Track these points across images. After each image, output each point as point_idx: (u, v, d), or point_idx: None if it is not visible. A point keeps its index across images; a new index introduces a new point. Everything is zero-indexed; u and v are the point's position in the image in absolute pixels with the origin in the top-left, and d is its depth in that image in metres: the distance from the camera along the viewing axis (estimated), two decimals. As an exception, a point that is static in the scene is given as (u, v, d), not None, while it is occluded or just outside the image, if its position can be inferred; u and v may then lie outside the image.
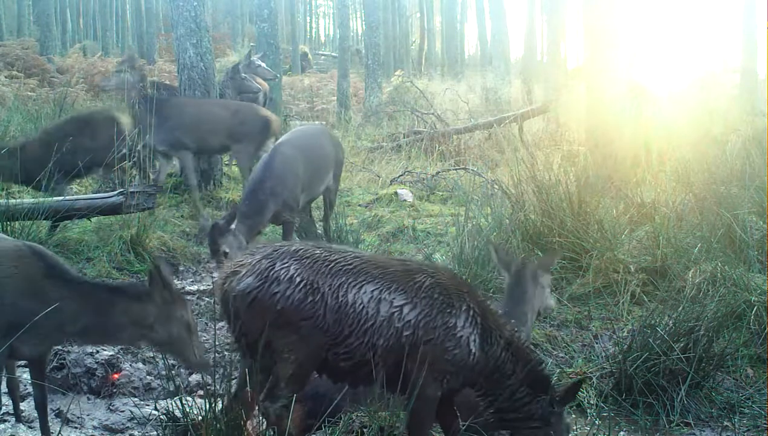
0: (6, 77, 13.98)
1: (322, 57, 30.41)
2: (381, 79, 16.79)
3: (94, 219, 6.05)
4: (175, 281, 5.81)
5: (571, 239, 5.25)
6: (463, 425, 3.03)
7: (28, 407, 3.53)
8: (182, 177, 8.26)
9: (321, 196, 6.56)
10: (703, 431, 3.62)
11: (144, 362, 4.17)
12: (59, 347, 3.82)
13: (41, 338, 3.08)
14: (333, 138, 6.83)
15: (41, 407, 3.21)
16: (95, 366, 3.94)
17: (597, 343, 4.39)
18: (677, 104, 10.11)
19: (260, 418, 2.90)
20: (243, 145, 7.65)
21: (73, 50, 21.13)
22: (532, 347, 3.13)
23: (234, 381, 3.22)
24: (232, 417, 2.79)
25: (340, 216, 6.60)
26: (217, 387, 2.92)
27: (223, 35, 27.40)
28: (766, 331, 4.18)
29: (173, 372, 3.33)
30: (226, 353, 4.19)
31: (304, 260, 2.85)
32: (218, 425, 2.78)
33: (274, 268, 2.82)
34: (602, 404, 3.76)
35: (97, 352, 3.98)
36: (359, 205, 8.42)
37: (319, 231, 6.54)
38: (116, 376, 3.93)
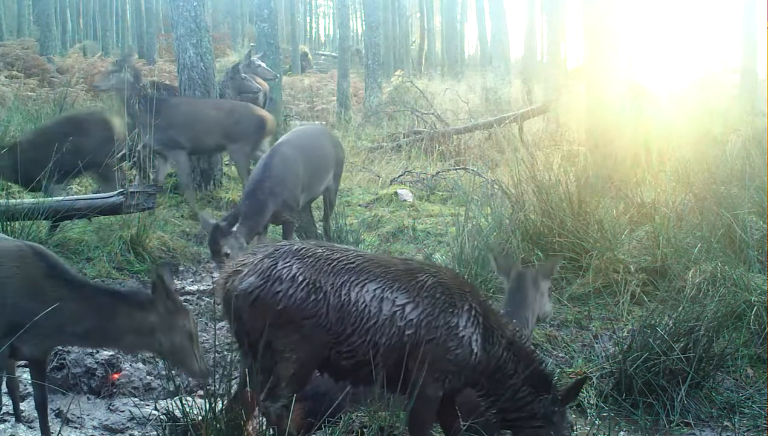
0: (6, 77, 13.98)
1: (322, 57, 30.42)
2: (381, 79, 16.79)
3: (94, 219, 6.06)
4: (175, 281, 5.84)
5: (571, 239, 5.25)
6: (464, 425, 3.03)
7: (28, 407, 3.53)
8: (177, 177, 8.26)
9: (321, 197, 6.56)
10: (703, 431, 3.62)
11: (144, 362, 4.17)
12: (59, 347, 3.82)
13: (42, 339, 3.07)
14: (333, 138, 6.84)
15: (41, 407, 3.21)
16: (95, 366, 3.94)
17: (597, 343, 4.39)
18: (677, 104, 10.11)
19: (261, 418, 2.90)
20: (239, 145, 7.66)
21: (73, 50, 21.15)
22: (533, 346, 3.12)
23: (234, 381, 3.22)
24: (232, 417, 2.79)
25: (340, 216, 6.60)
26: (217, 387, 2.92)
27: (223, 35, 27.40)
28: (766, 331, 4.18)
29: (173, 372, 3.32)
30: (226, 353, 4.19)
31: (307, 259, 2.85)
32: (218, 425, 2.78)
33: (276, 267, 2.82)
34: (602, 404, 3.76)
35: (97, 352, 3.97)
36: (359, 205, 8.42)
37: (319, 231, 6.54)
38: (116, 376, 3.93)
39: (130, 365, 4.07)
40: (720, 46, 25.19)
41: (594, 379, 3.91)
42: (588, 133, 7.76)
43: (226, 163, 9.20)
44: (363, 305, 2.80)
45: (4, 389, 3.41)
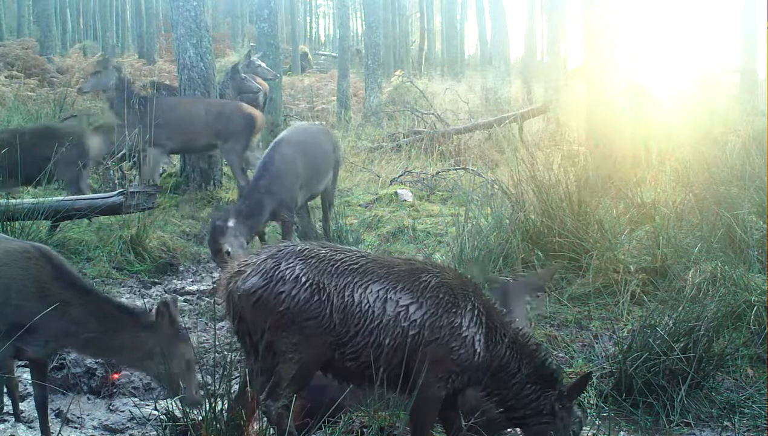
0: (6, 77, 14.00)
1: (322, 57, 30.41)
2: (381, 79, 16.78)
3: (93, 219, 6.06)
4: (175, 281, 5.84)
5: (571, 239, 5.25)
6: (465, 425, 3.03)
7: (28, 407, 3.53)
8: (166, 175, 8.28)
9: (320, 197, 6.56)
10: (703, 431, 3.61)
11: (144, 362, 4.17)
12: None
13: (47, 341, 3.08)
14: (332, 138, 6.83)
15: (41, 407, 3.21)
16: (95, 366, 3.94)
17: (597, 343, 4.39)
18: (677, 104, 10.10)
19: (262, 419, 2.90)
20: (230, 144, 7.66)
21: (73, 50, 21.17)
22: (537, 343, 3.12)
23: (234, 381, 3.22)
24: (232, 417, 2.79)
25: (340, 216, 6.60)
26: (217, 387, 2.92)
27: (223, 35, 27.40)
28: (766, 331, 4.18)
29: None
30: (226, 353, 4.18)
31: (310, 260, 2.85)
32: (218, 425, 2.79)
33: (279, 267, 2.82)
34: (602, 404, 3.76)
35: (98, 352, 3.97)
36: (359, 205, 8.42)
37: (319, 231, 6.54)
38: (116, 376, 3.93)
39: (130, 365, 4.07)
40: (720, 46, 25.20)
41: (594, 379, 3.91)
42: (588, 133, 7.76)
43: (226, 163, 9.20)
44: (367, 306, 2.81)
45: (4, 389, 3.41)
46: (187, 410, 3.05)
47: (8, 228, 5.09)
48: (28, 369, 3.61)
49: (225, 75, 9.56)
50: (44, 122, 7.76)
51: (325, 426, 3.10)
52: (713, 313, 3.96)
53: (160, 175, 8.67)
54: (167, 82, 11.98)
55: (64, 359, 3.91)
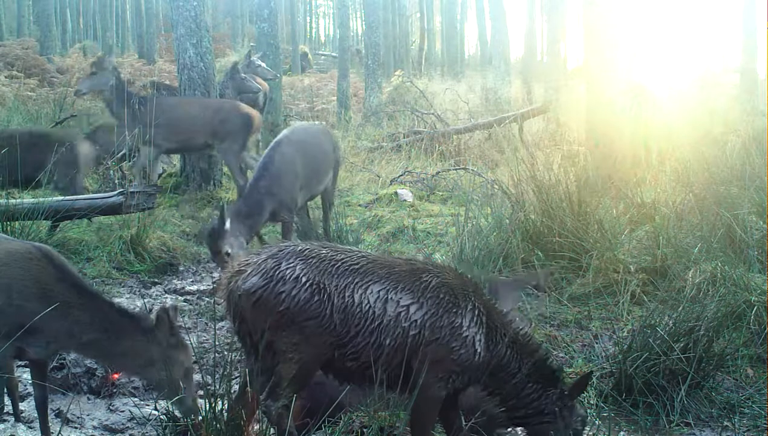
0: (6, 77, 14.00)
1: (322, 57, 30.42)
2: (381, 79, 16.78)
3: (94, 219, 6.05)
4: (175, 281, 5.84)
5: (571, 239, 5.25)
6: (466, 425, 3.03)
7: (28, 407, 3.53)
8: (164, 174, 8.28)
9: (320, 197, 6.56)
10: (703, 431, 3.62)
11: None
12: (59, 348, 3.82)
13: (49, 342, 3.08)
14: (332, 138, 6.83)
15: (42, 407, 3.21)
16: (95, 366, 3.94)
17: (597, 343, 4.39)
18: (677, 104, 10.10)
19: (261, 418, 2.90)
20: (227, 144, 7.66)
21: (73, 50, 21.19)
22: (538, 342, 3.12)
23: (234, 381, 3.22)
24: (232, 417, 2.79)
25: (340, 216, 6.60)
26: (217, 387, 2.92)
27: (223, 35, 27.41)
28: (766, 331, 4.18)
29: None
30: (226, 353, 4.18)
31: (310, 260, 2.85)
32: (218, 425, 2.79)
33: (279, 267, 2.82)
34: (602, 404, 3.76)
35: (98, 352, 3.97)
36: (359, 205, 8.42)
37: (319, 231, 6.54)
38: (116, 376, 3.93)
39: (130, 365, 4.07)
40: (720, 46, 25.20)
41: (594, 379, 3.91)
42: (588, 133, 7.76)
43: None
44: (367, 307, 2.81)
45: (4, 389, 3.41)
46: (181, 415, 3.05)
47: (8, 228, 5.09)
48: (28, 369, 3.61)
49: (225, 75, 9.56)
50: (32, 127, 7.71)
51: (325, 426, 3.10)
52: (713, 313, 3.96)
53: (160, 175, 8.67)
54: (167, 82, 11.98)
55: (64, 359, 3.91)
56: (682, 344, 3.75)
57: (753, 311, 4.27)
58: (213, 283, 5.71)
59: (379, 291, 2.83)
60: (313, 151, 6.21)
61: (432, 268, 3.00)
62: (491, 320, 2.95)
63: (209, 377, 3.26)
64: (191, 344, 3.94)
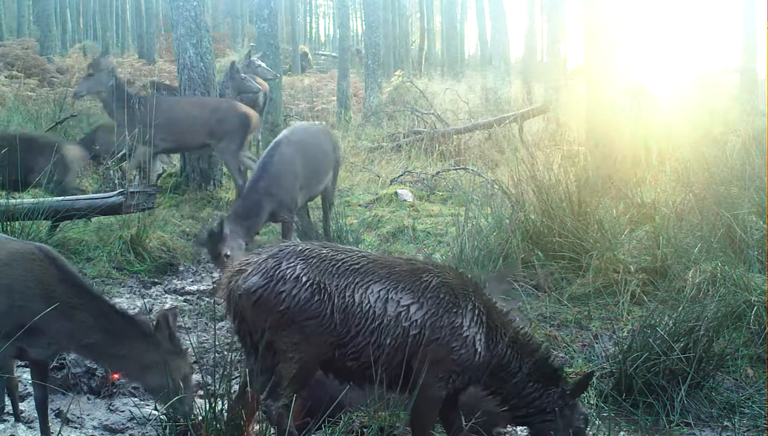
0: (6, 77, 14.01)
1: (322, 57, 30.42)
2: (381, 79, 16.78)
3: (94, 219, 6.05)
4: (175, 281, 5.84)
5: (571, 239, 5.25)
6: (466, 425, 3.03)
7: (28, 407, 3.53)
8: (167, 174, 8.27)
9: (320, 197, 6.55)
10: (703, 431, 3.61)
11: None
12: (59, 348, 3.82)
13: (50, 343, 3.08)
14: (332, 138, 6.83)
15: (42, 407, 3.21)
16: (95, 366, 3.93)
17: (597, 343, 4.39)
18: (677, 104, 10.10)
19: (261, 418, 2.90)
20: (225, 144, 7.66)
21: (73, 50, 21.19)
22: (539, 341, 3.12)
23: (234, 381, 3.22)
24: (232, 417, 2.79)
25: (340, 216, 6.60)
26: (217, 387, 2.92)
27: (223, 35, 27.41)
28: (766, 331, 4.18)
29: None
30: (226, 353, 4.19)
31: (311, 260, 2.85)
32: (218, 425, 2.79)
33: (280, 267, 2.82)
34: (602, 404, 3.76)
35: (98, 352, 3.97)
36: (359, 205, 8.42)
37: (319, 231, 6.54)
38: (116, 376, 3.92)
39: (130, 365, 4.06)
40: (720, 46, 25.20)
41: (594, 379, 3.91)
42: (588, 133, 7.76)
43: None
44: (368, 306, 2.81)
45: (5, 389, 3.41)
46: (177, 415, 3.04)
47: (8, 228, 5.09)
48: (28, 369, 3.61)
49: (225, 75, 9.57)
50: (18, 130, 7.69)
51: (325, 426, 3.10)
52: (713, 313, 3.96)
53: (160, 175, 8.67)
54: (167, 82, 11.99)
55: (64, 359, 3.91)
56: (682, 344, 3.75)
57: (753, 311, 4.27)
58: (213, 283, 5.71)
59: (379, 291, 2.83)
60: (313, 152, 6.20)
61: (432, 268, 3.00)
62: (491, 319, 2.95)
63: (209, 377, 3.26)
64: (191, 344, 3.94)
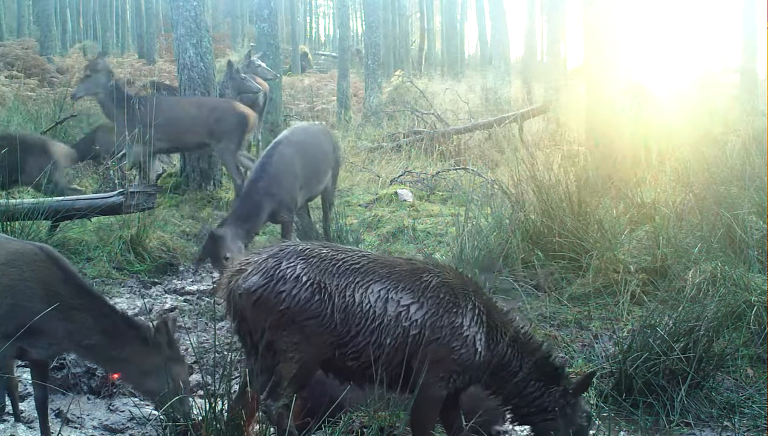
0: (6, 77, 14.01)
1: (322, 57, 30.43)
2: (381, 79, 16.78)
3: (94, 219, 6.05)
4: (175, 281, 5.84)
5: (571, 239, 5.25)
6: (466, 425, 3.03)
7: (28, 407, 3.53)
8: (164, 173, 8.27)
9: (320, 197, 6.55)
10: (703, 431, 3.61)
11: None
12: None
13: (52, 344, 3.08)
14: (332, 138, 6.83)
15: (42, 407, 3.21)
16: (95, 366, 3.93)
17: (597, 343, 4.39)
18: (677, 104, 10.10)
19: (262, 418, 2.90)
20: (223, 143, 7.67)
21: (73, 50, 21.20)
22: (539, 340, 3.12)
23: (234, 381, 3.22)
24: (232, 417, 2.79)
25: (340, 216, 6.60)
26: (217, 387, 2.92)
27: (223, 35, 27.42)
28: (766, 331, 4.17)
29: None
30: (226, 353, 4.19)
31: (311, 260, 2.85)
32: (218, 425, 2.78)
33: (280, 267, 2.82)
34: (602, 404, 3.76)
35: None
36: (359, 205, 8.42)
37: (319, 231, 6.54)
38: (116, 376, 3.92)
39: (130, 365, 4.06)
40: (720, 46, 25.20)
41: (594, 379, 3.91)
42: (588, 133, 7.76)
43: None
44: (368, 306, 2.81)
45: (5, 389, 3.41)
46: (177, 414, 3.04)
47: (8, 228, 5.09)
48: (28, 369, 3.61)
49: (225, 75, 9.57)
50: (3, 131, 7.71)
51: (325, 426, 3.10)
52: (713, 313, 3.96)
53: (160, 175, 8.67)
54: (167, 82, 11.99)
55: (64, 359, 3.91)
56: (682, 344, 3.75)
57: (753, 311, 4.27)
58: (213, 283, 5.71)
59: (379, 291, 2.83)
60: (313, 152, 6.20)
61: (432, 268, 3.00)
62: (492, 319, 2.94)
63: (209, 377, 3.26)
64: (191, 344, 3.94)
